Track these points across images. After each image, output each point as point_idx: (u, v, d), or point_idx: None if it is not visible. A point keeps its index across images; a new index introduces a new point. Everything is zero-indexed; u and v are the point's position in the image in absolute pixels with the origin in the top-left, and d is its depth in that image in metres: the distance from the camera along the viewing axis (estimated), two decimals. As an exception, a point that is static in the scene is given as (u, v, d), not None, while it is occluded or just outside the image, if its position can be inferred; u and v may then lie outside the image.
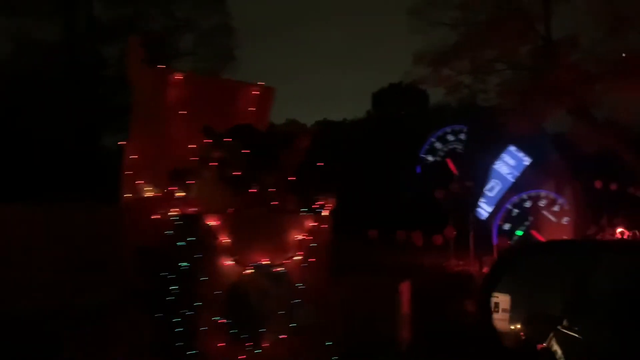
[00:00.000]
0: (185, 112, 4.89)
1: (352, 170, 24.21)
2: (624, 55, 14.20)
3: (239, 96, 5.25)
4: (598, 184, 14.91)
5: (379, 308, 5.42)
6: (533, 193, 13.58)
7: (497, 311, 5.53)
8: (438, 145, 18.54)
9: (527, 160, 13.88)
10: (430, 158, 18.51)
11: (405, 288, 5.80)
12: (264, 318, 4.42)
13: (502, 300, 5.68)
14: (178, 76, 4.90)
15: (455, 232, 13.45)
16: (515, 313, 5.56)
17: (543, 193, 13.50)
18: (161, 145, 4.73)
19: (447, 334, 6.31)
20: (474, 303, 7.68)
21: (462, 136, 17.71)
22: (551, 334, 5.11)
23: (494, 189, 13.77)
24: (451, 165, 17.09)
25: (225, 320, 4.19)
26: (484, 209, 13.61)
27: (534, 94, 15.56)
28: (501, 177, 13.90)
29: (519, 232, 8.69)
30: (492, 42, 16.52)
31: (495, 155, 14.35)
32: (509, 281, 5.40)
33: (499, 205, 13.53)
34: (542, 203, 13.53)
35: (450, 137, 18.43)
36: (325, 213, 4.76)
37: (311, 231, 4.64)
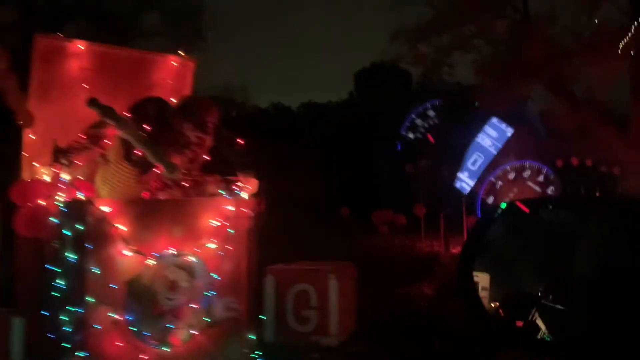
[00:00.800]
0: (89, 86, 4.32)
1: (334, 153, 23.73)
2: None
3: (154, 68, 4.69)
4: (574, 161, 14.54)
5: (313, 297, 4.92)
6: (517, 164, 13.35)
7: (477, 289, 5.43)
8: (418, 122, 17.99)
9: (509, 131, 13.67)
10: (411, 135, 17.98)
11: (346, 273, 5.31)
12: (173, 313, 3.90)
13: (481, 278, 5.59)
14: (79, 45, 4.33)
15: (425, 210, 13.00)
16: (494, 291, 5.51)
17: (527, 163, 13.27)
18: (62, 123, 4.17)
19: (398, 320, 5.87)
20: (433, 286, 7.24)
21: (442, 111, 17.21)
22: (534, 310, 5.12)
23: (476, 162, 13.54)
24: (432, 141, 16.59)
25: (122, 317, 3.67)
26: (467, 183, 13.45)
27: (510, 70, 15.11)
28: (483, 150, 13.70)
29: (503, 205, 8.43)
30: (468, 17, 15.96)
31: (477, 128, 14.15)
32: (487, 259, 5.50)
33: (482, 178, 13.27)
34: (526, 174, 13.27)
35: (431, 113, 17.87)
36: (245, 195, 4.23)
37: (228, 216, 4.11)
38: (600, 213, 5.62)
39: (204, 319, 4.03)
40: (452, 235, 10.56)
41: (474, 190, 13.52)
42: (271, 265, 5.11)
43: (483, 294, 5.63)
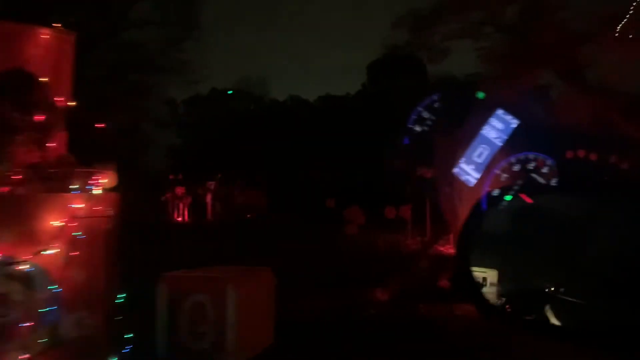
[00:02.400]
0: None
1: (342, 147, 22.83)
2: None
3: (17, 41, 3.92)
4: (581, 153, 13.49)
5: (210, 309, 4.10)
6: (522, 156, 13.06)
7: (485, 285, 5.85)
8: (425, 114, 17.10)
9: (515, 123, 13.10)
10: (417, 128, 17.11)
11: (255, 280, 4.47)
12: (1, 332, 3.16)
13: (489, 274, 5.91)
14: None
15: (409, 213, 12.03)
16: (503, 286, 5.80)
17: (532, 155, 12.95)
18: None
19: (334, 332, 5.01)
20: (390, 291, 6.25)
21: (449, 103, 16.34)
22: (547, 306, 5.24)
23: (482, 154, 13.03)
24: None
25: None
26: (472, 176, 12.84)
27: (520, 57, 13.97)
28: (489, 142, 13.03)
29: (508, 197, 7.88)
30: (476, 2, 14.82)
31: (484, 120, 13.84)
32: (495, 256, 5.85)
33: (487, 170, 13.16)
34: (531, 165, 13.07)
35: (438, 106, 16.94)
36: (98, 191, 3.45)
37: (77, 215, 3.33)
38: (610, 200, 5.76)
39: (44, 338, 3.28)
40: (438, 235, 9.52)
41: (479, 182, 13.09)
42: (165, 272, 4.31)
43: (491, 290, 5.90)
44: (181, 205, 14.94)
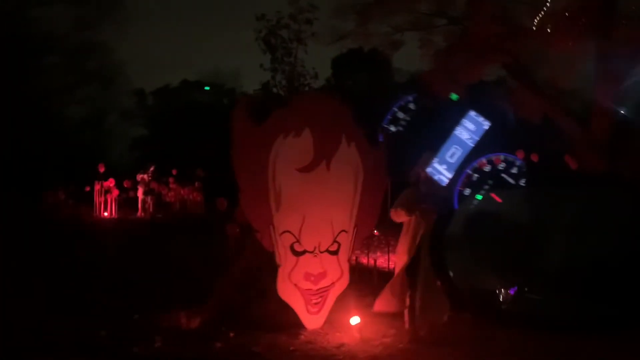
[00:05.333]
0: None
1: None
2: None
3: None
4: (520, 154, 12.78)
5: None
6: (492, 156, 13.33)
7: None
8: (400, 114, 16.62)
9: (486, 124, 13.61)
10: (392, 128, 16.58)
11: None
12: None
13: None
14: None
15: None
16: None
17: (502, 156, 13.23)
18: None
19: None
20: (205, 315, 4.92)
21: (421, 105, 15.77)
22: (510, 302, 5.06)
23: (454, 154, 13.66)
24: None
25: None
26: (445, 175, 13.47)
27: (460, 50, 12.94)
28: (461, 143, 13.74)
29: (479, 197, 7.55)
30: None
31: (456, 120, 13.87)
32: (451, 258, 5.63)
33: (459, 170, 13.43)
34: (501, 166, 13.16)
35: (412, 106, 16.36)
36: None
37: None
38: (569, 199, 5.59)
39: None
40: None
41: (452, 182, 13.35)
42: None
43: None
44: (109, 200, 13.98)
